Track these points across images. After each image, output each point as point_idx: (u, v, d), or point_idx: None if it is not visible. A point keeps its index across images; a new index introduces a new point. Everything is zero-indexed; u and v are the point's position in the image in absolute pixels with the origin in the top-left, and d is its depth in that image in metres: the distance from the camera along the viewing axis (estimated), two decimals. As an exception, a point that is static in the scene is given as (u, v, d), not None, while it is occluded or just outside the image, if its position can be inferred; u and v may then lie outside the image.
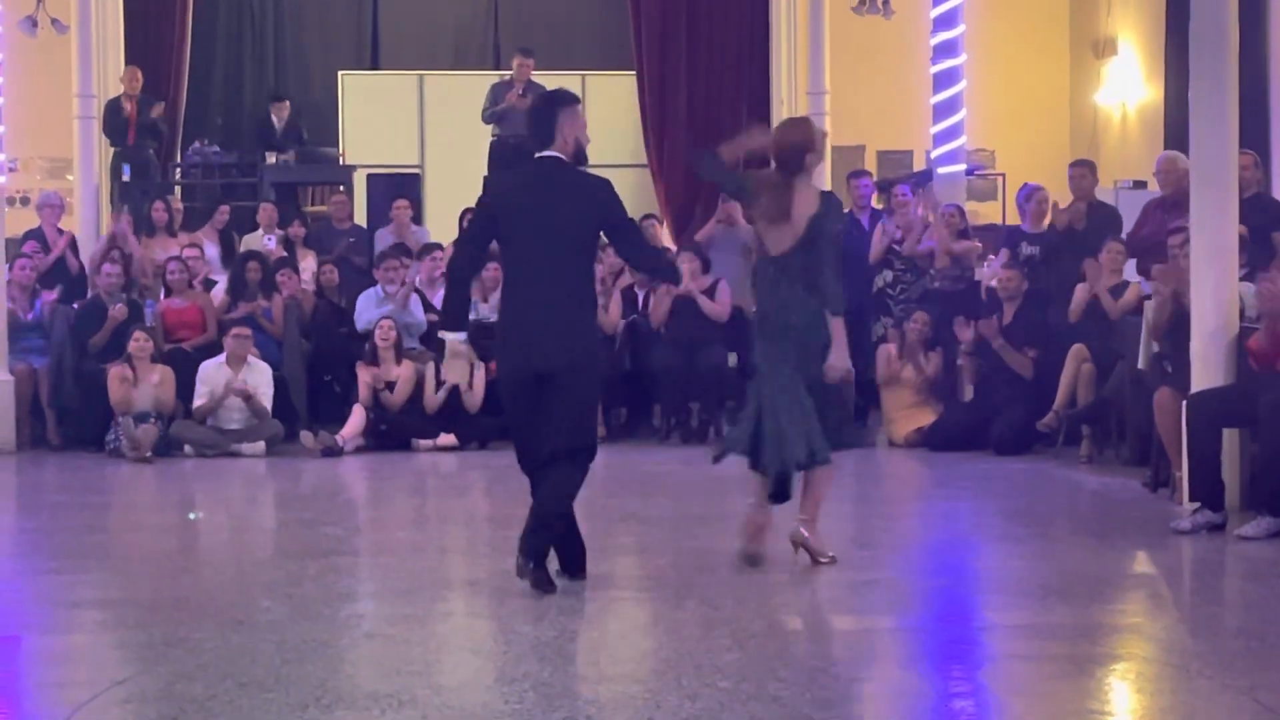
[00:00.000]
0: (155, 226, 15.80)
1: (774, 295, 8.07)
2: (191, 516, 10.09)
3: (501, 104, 17.01)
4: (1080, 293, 12.17)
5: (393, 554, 8.92)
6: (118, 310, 13.46)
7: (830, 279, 7.92)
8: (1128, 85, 18.21)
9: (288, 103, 19.14)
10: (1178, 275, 10.08)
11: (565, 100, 7.71)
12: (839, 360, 7.97)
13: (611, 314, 13.73)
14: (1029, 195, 13.80)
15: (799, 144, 8.11)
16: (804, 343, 7.97)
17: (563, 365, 7.38)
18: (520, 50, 17.42)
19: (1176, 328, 9.95)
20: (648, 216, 16.66)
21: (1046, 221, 13.50)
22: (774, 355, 8.02)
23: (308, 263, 15.08)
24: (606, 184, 7.70)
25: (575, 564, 7.71)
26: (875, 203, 15.42)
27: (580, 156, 7.71)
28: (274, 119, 18.86)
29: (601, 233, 7.82)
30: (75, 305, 14.26)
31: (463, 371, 12.27)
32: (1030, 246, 13.30)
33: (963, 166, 15.71)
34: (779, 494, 8.17)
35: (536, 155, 7.65)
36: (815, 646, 6.75)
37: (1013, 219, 15.25)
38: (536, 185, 7.65)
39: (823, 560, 8.05)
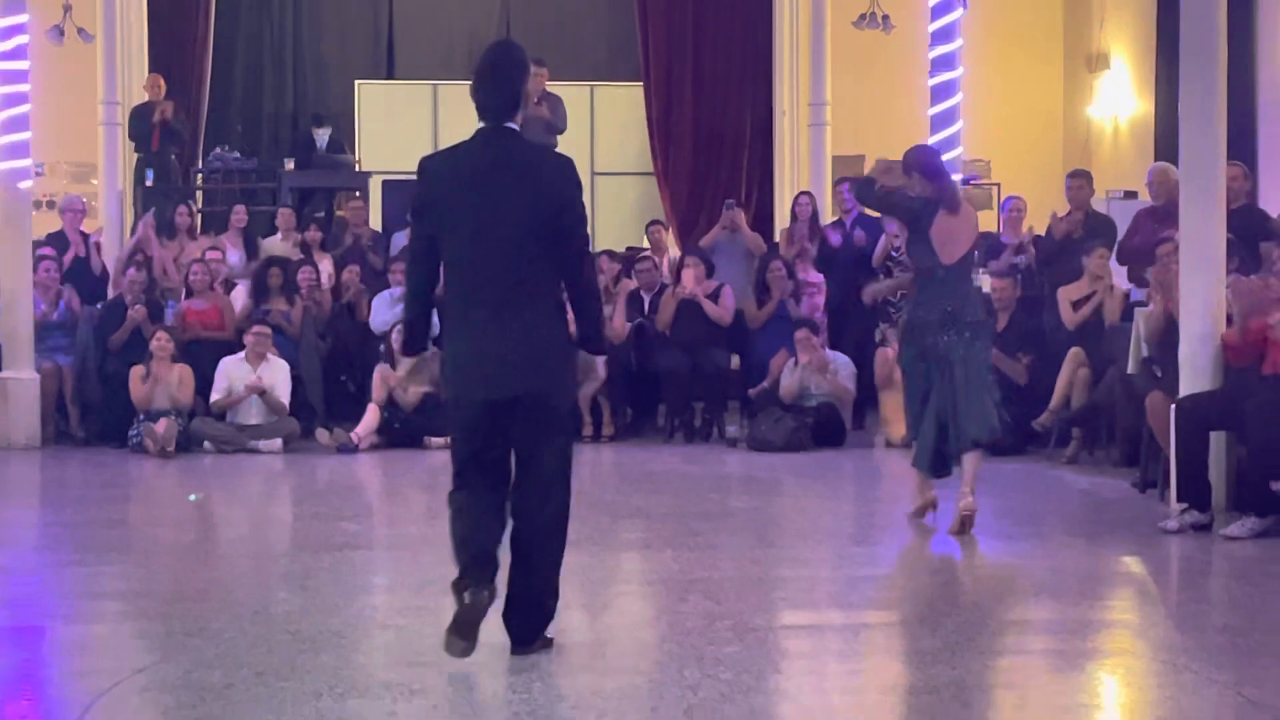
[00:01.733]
0: (177, 230, 15.81)
1: (954, 295, 8.89)
2: (192, 498, 10.09)
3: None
4: (1065, 299, 12.21)
5: (405, 548, 8.91)
6: (137, 311, 13.48)
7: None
8: (1119, 98, 18.22)
9: (329, 128, 19.18)
10: (1168, 283, 10.10)
11: (526, 65, 6.10)
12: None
13: (616, 324, 13.68)
14: (1006, 209, 14.26)
15: (940, 162, 9.25)
16: (982, 333, 9.05)
17: (529, 391, 5.82)
18: (535, 60, 17.41)
19: (1166, 334, 9.98)
20: (654, 222, 16.69)
21: (1030, 233, 13.73)
22: (952, 348, 8.84)
23: (325, 265, 15.09)
24: (569, 162, 6.01)
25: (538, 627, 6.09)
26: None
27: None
28: (316, 140, 18.92)
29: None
30: (99, 305, 14.29)
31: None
32: (1019, 256, 13.40)
33: (959, 176, 15.71)
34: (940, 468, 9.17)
35: (487, 127, 5.91)
36: (813, 641, 6.75)
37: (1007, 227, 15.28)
38: (494, 166, 5.83)
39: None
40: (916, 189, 9.05)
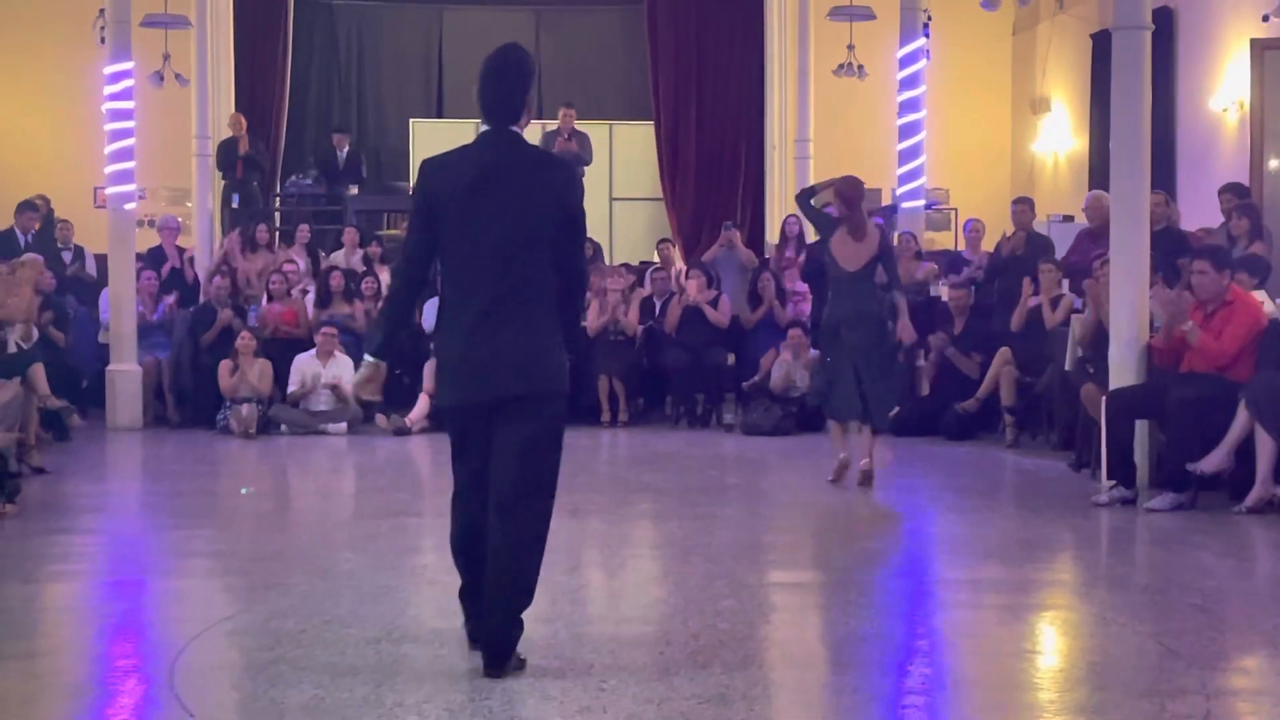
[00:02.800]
0: (258, 245, 15.86)
1: (857, 297, 9.31)
2: (244, 491, 10.09)
3: (553, 147, 17.01)
4: (1022, 307, 12.18)
5: (449, 516, 8.91)
6: (225, 314, 13.54)
7: (897, 276, 9.78)
8: (1059, 136, 18.19)
9: (348, 135, 19.16)
10: (1100, 293, 10.10)
11: (532, 68, 5.22)
12: (905, 331, 9.68)
13: (631, 318, 13.79)
14: (969, 230, 14.34)
15: (861, 193, 9.57)
16: (882, 329, 9.45)
17: (519, 394, 4.96)
18: (565, 103, 17.43)
19: (1097, 337, 9.98)
20: (663, 240, 16.70)
21: (983, 250, 13.76)
22: (854, 337, 9.28)
23: (383, 275, 15.10)
24: (569, 165, 5.28)
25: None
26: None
27: None
28: (336, 149, 18.79)
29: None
30: (191, 309, 14.33)
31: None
32: (974, 271, 13.44)
33: (922, 202, 15.69)
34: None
35: (490, 129, 5.08)
36: (799, 596, 6.76)
37: (964, 246, 15.27)
38: (492, 168, 5.00)
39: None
40: (837, 209, 9.52)
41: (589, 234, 15.33)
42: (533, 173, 5.05)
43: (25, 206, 15.13)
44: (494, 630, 4.99)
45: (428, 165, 5.17)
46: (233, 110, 18.34)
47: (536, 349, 4.99)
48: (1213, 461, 8.48)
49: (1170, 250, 10.17)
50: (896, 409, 10.24)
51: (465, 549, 5.15)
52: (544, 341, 5.02)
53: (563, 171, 5.27)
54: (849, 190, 9.49)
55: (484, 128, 5.08)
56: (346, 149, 18.80)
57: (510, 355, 4.94)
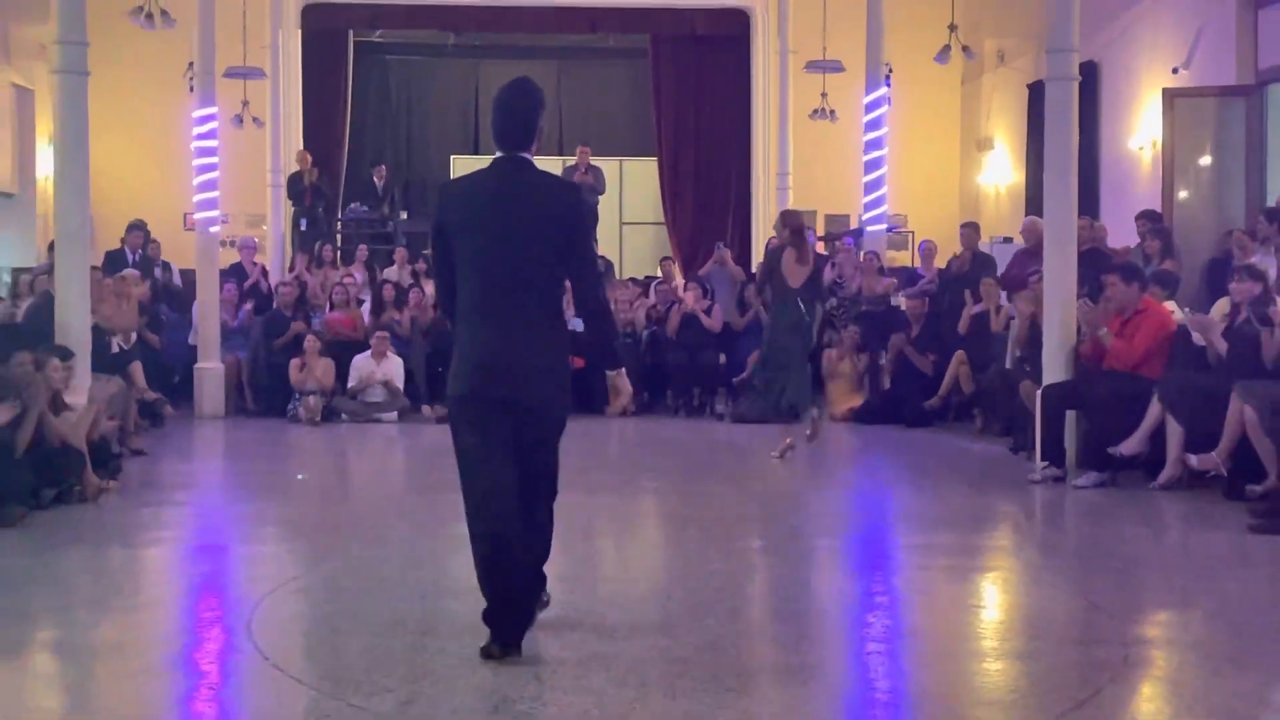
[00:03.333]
0: (323, 262, 15.89)
1: (799, 309, 9.70)
2: (300, 477, 10.10)
3: (572, 179, 17.05)
4: (966, 314, 12.21)
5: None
6: (298, 326, 13.52)
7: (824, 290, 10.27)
8: (1000, 170, 18.19)
9: (384, 166, 19.14)
10: (1034, 303, 10.11)
11: (542, 98, 4.79)
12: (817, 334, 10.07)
13: (638, 319, 13.91)
14: (924, 249, 14.32)
15: (803, 222, 10.05)
16: (809, 328, 9.88)
17: (529, 402, 4.60)
18: (582, 142, 17.47)
19: (1033, 340, 9.98)
20: (665, 258, 16.74)
21: (935, 267, 13.81)
22: (794, 341, 9.71)
23: (428, 288, 15.12)
24: (576, 188, 4.93)
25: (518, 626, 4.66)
26: (820, 249, 15.68)
27: None
28: (375, 179, 18.70)
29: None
30: (266, 316, 14.36)
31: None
32: (928, 284, 13.46)
33: (885, 226, 15.67)
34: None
35: (503, 155, 4.67)
36: (778, 558, 6.76)
37: (919, 263, 15.28)
38: (502, 192, 4.59)
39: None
40: (781, 239, 9.99)
41: (603, 253, 15.43)
42: (537, 195, 4.60)
43: (134, 227, 15.21)
44: (500, 610, 4.57)
45: (445, 189, 4.86)
46: (300, 148, 18.37)
47: (534, 361, 4.54)
48: (1131, 445, 8.49)
49: (1094, 267, 10.17)
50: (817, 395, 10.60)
51: (474, 532, 4.75)
52: (542, 354, 4.56)
53: (565, 193, 4.77)
54: (797, 221, 10.00)
55: (498, 154, 4.69)
56: (385, 177, 18.81)
57: (509, 364, 4.52)
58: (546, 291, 4.60)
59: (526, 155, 4.64)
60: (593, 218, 4.55)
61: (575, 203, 4.70)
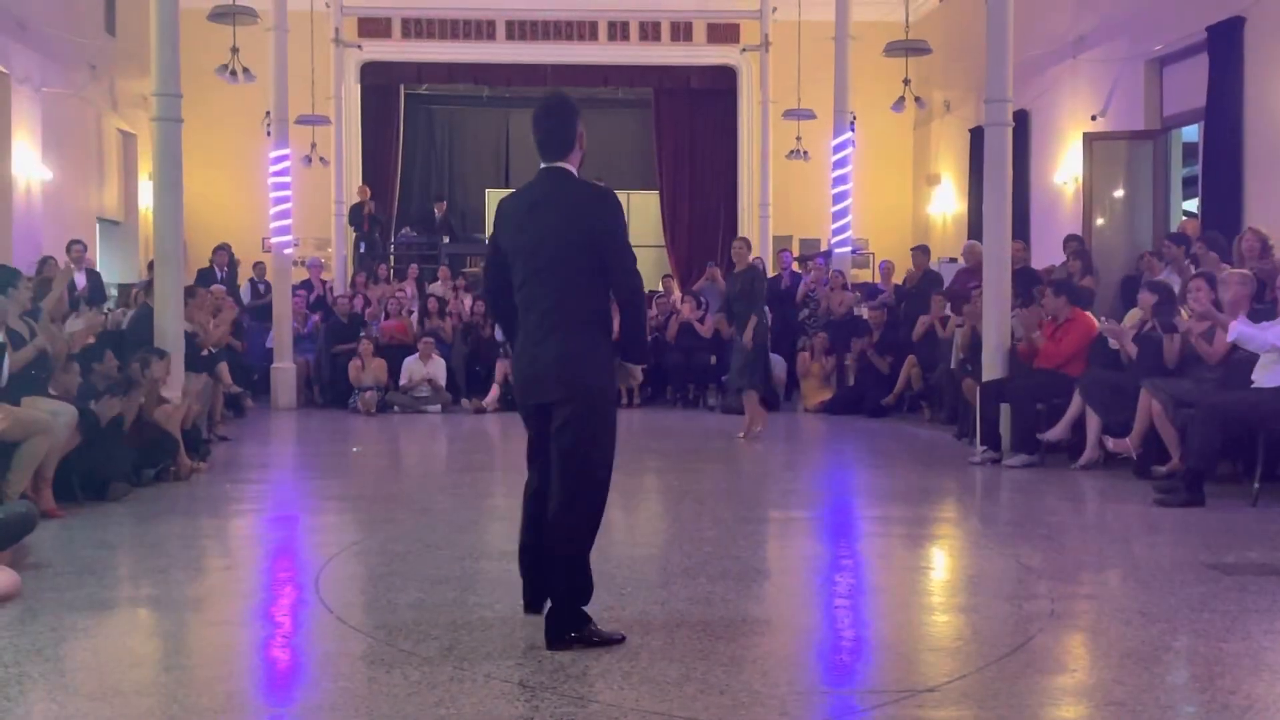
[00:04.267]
0: (379, 279, 15.91)
1: (742, 316, 10.13)
2: (355, 450, 10.12)
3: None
4: (921, 323, 12.21)
5: (517, 470, 8.89)
6: (363, 346, 13.42)
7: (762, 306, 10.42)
8: (947, 201, 18.18)
9: (445, 202, 19.19)
10: (975, 314, 10.10)
11: (577, 110, 4.31)
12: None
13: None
14: (883, 269, 14.50)
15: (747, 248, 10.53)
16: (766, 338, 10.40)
17: (561, 398, 4.12)
18: (594, 178, 17.45)
19: (973, 344, 9.96)
20: (666, 275, 16.79)
21: (892, 283, 13.90)
22: (739, 341, 10.17)
23: (466, 301, 15.15)
24: (605, 194, 4.25)
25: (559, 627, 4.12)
26: (795, 267, 15.77)
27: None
28: (435, 211, 18.79)
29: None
30: (330, 324, 14.38)
31: None
32: (885, 297, 13.49)
33: (850, 248, 15.68)
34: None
35: (544, 166, 4.24)
36: (760, 527, 6.76)
37: (879, 279, 15.29)
38: (539, 201, 4.20)
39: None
40: (745, 260, 10.39)
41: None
42: (569, 203, 4.15)
43: (221, 250, 15.26)
44: (551, 608, 4.13)
45: (499, 204, 4.41)
46: (360, 183, 18.39)
47: (570, 359, 4.10)
48: (1056, 432, 8.49)
49: (1026, 283, 10.17)
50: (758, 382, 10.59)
51: (526, 517, 4.35)
52: (580, 352, 4.11)
53: (597, 200, 4.20)
54: (745, 248, 10.47)
55: (541, 165, 4.26)
56: (444, 211, 18.84)
57: (550, 365, 4.11)
58: (581, 296, 4.12)
59: (565, 165, 4.20)
60: (624, 220, 3.97)
61: (602, 207, 4.17)
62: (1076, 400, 8.43)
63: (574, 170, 4.22)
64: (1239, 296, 7.42)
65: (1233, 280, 7.50)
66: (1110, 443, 8.08)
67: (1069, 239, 11.51)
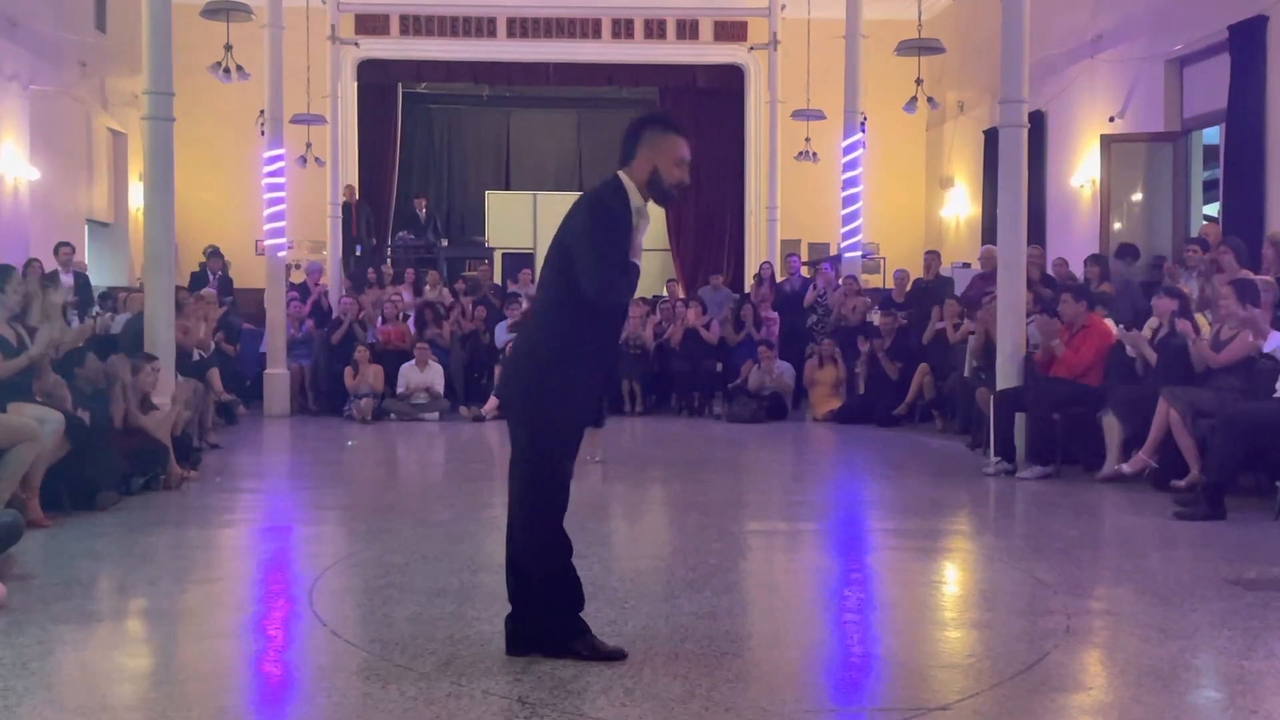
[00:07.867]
0: (373, 283, 15.94)
1: None
2: (350, 444, 10.14)
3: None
4: (931, 327, 12.23)
5: (514, 480, 8.95)
6: (363, 352, 13.43)
7: None
8: (960, 205, 18.19)
9: (424, 198, 19.15)
10: (988, 319, 10.10)
11: (657, 121, 4.09)
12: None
13: (647, 335, 13.95)
14: (897, 278, 14.37)
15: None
16: None
17: (505, 400, 4.09)
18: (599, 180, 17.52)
19: (987, 352, 9.97)
20: (671, 280, 16.81)
21: (907, 290, 13.90)
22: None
23: (466, 305, 15.17)
24: (593, 195, 3.96)
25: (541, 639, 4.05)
26: (804, 273, 15.77)
27: (658, 192, 4.07)
28: (417, 209, 18.71)
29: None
30: (326, 329, 14.40)
31: None
32: (898, 305, 13.52)
33: (860, 253, 15.71)
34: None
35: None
36: (767, 540, 6.77)
37: (893, 285, 15.31)
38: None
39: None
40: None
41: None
42: (570, 211, 3.98)
43: (213, 254, 15.30)
44: (518, 618, 4.09)
45: None
46: (357, 184, 18.43)
47: (516, 367, 4.01)
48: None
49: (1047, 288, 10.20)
50: None
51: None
52: (525, 360, 3.95)
53: (582, 200, 3.98)
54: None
55: None
56: (425, 208, 18.85)
57: (508, 370, 4.07)
58: (549, 302, 3.94)
59: (619, 172, 3.99)
60: (603, 219, 3.68)
61: (579, 207, 3.94)
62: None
63: (625, 178, 3.99)
64: (1266, 305, 7.46)
65: (1268, 288, 7.54)
66: (1126, 467, 8.07)
67: (1091, 259, 11.33)
